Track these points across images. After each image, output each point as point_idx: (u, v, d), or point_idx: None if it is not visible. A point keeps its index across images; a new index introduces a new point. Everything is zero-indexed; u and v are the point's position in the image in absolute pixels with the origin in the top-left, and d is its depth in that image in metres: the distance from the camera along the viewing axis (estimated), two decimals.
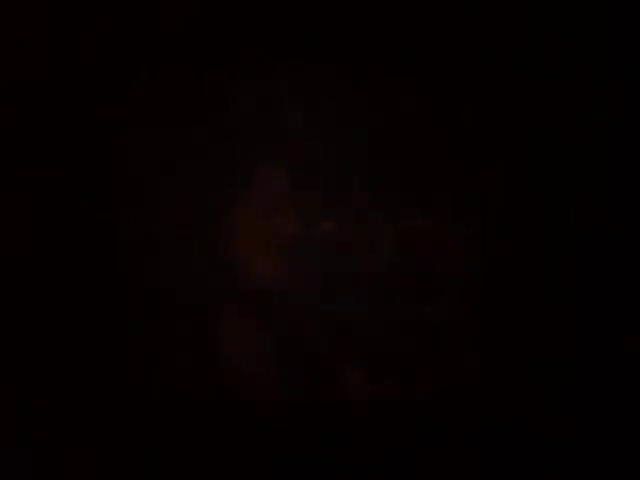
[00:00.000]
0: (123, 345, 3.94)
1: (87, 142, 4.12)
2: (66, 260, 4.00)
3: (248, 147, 4.13)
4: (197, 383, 3.82)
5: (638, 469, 3.36)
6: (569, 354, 3.75)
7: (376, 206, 4.11)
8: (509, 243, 3.98)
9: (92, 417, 3.70)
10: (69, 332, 3.90)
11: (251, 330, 3.94)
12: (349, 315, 3.97)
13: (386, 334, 3.94)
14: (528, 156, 4.03)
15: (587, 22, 3.87)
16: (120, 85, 4.19)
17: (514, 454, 3.52)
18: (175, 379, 3.84)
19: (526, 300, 3.91)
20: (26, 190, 3.98)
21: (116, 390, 3.81)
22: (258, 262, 3.98)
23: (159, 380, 3.84)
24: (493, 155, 4.08)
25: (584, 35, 3.90)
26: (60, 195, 4.03)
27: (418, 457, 3.53)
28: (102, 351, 3.91)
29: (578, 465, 3.42)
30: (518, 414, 3.64)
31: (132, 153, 4.23)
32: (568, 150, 3.97)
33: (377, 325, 3.98)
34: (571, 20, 3.91)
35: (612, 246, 3.81)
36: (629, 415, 3.55)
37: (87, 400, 3.76)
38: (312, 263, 4.08)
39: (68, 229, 4.02)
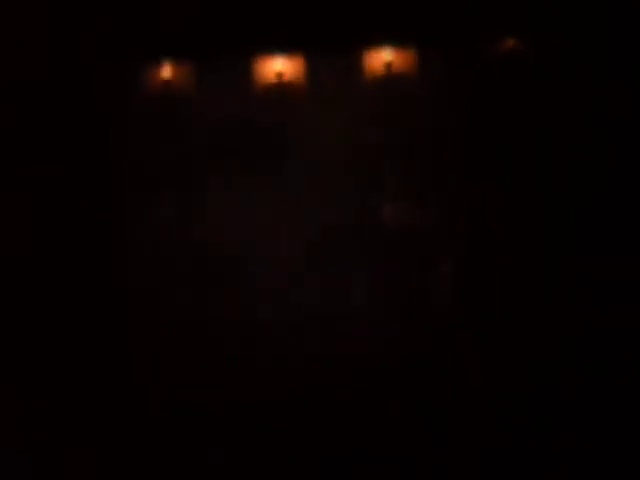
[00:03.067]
0: (124, 345, 3.94)
1: (87, 142, 4.11)
2: (66, 259, 3.98)
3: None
4: (196, 384, 3.82)
5: (638, 469, 3.35)
6: (569, 354, 3.75)
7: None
8: (509, 242, 3.97)
9: (92, 417, 3.69)
10: (69, 332, 3.89)
11: None
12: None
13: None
14: (528, 156, 4.03)
15: (587, 22, 3.86)
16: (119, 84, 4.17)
17: (514, 454, 3.51)
18: (174, 380, 3.83)
19: (526, 300, 3.90)
20: (26, 190, 3.97)
21: (116, 391, 3.80)
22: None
23: (159, 381, 3.83)
24: (493, 154, 4.07)
25: (584, 35, 3.89)
26: (60, 195, 4.02)
27: (418, 459, 3.53)
28: (103, 351, 3.90)
29: (578, 465, 3.41)
30: (518, 414, 3.64)
31: (131, 153, 4.22)
32: (568, 150, 3.96)
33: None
34: (571, 20, 3.90)
35: (611, 246, 3.80)
36: (629, 415, 3.54)
37: (87, 400, 3.74)
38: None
39: (68, 229, 4.01)
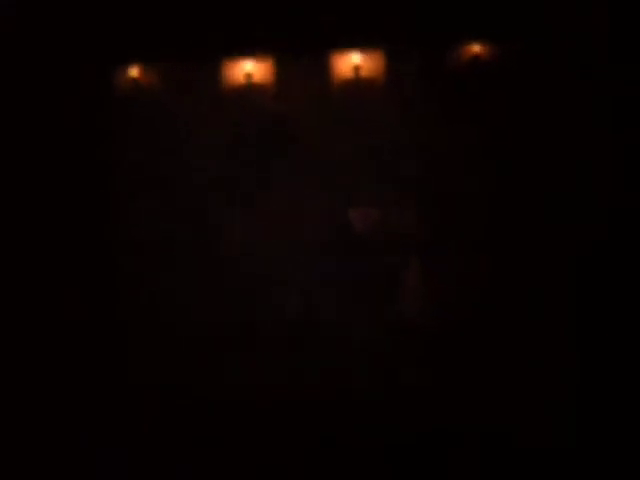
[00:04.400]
0: (124, 345, 3.96)
1: (87, 147, 4.14)
2: (66, 260, 4.01)
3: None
4: (194, 384, 3.83)
5: (638, 470, 3.34)
6: (569, 359, 3.73)
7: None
8: (511, 248, 3.98)
9: (92, 417, 3.71)
10: (69, 332, 3.91)
11: None
12: None
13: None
14: (506, 156, 4.03)
15: (587, 21, 3.86)
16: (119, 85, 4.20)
17: (514, 458, 3.51)
18: (173, 379, 3.85)
19: (526, 304, 3.90)
20: (26, 192, 3.99)
21: (116, 390, 3.82)
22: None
23: (158, 380, 3.84)
24: (493, 158, 4.08)
25: (585, 34, 3.89)
26: (60, 196, 4.04)
27: (416, 461, 3.53)
28: (102, 350, 3.92)
29: (577, 471, 3.40)
30: (518, 418, 3.63)
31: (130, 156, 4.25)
32: (570, 152, 3.96)
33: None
34: (571, 20, 3.90)
35: (612, 252, 3.78)
36: (629, 418, 3.53)
37: (87, 400, 3.76)
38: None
39: (68, 230, 4.03)
